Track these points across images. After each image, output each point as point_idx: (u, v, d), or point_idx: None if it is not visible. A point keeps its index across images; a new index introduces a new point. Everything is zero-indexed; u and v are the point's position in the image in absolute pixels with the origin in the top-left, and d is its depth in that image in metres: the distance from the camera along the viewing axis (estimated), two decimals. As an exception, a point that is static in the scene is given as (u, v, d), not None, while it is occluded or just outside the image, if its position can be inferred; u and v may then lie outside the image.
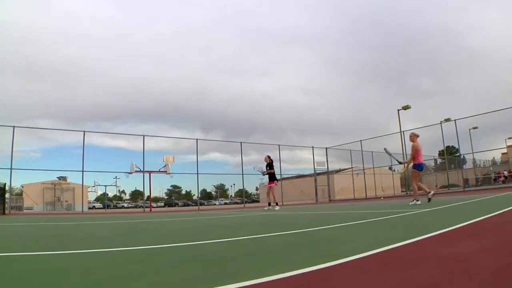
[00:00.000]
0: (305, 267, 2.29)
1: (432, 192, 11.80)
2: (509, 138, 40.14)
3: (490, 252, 2.65)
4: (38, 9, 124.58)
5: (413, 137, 12.17)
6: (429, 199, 11.50)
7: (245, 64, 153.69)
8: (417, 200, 11.31)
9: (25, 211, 36.11)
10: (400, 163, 13.25)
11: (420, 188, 11.89)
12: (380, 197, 30.13)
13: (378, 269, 2.24)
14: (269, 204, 16.32)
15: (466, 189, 29.33)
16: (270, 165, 16.66)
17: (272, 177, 16.51)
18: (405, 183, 34.86)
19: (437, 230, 3.90)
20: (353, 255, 2.63)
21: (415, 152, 11.92)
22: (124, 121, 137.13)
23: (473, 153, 29.98)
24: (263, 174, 16.85)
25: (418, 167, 12.04)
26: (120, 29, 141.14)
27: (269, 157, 17.02)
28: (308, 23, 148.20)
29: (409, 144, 12.52)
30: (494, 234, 3.66)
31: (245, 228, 6.39)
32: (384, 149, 14.36)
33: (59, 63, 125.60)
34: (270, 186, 16.44)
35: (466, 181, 33.10)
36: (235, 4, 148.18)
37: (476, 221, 4.80)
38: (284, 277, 2.08)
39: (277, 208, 15.79)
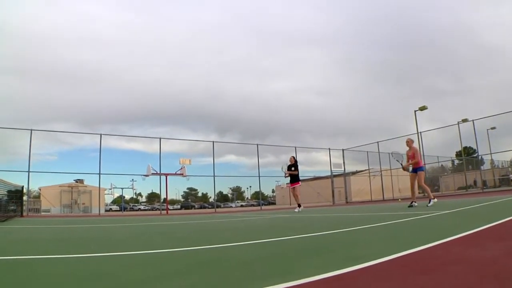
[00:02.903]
0: (328, 272, 2.22)
1: (416, 204, 11.80)
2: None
3: (520, 255, 2.57)
4: (54, 13, 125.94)
5: (411, 142, 12.70)
6: (411, 206, 11.60)
7: (259, 65, 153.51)
8: (434, 198, 11.65)
9: (42, 213, 36.44)
10: (403, 168, 13.21)
11: (413, 192, 12.22)
12: (398, 199, 29.84)
13: (404, 273, 2.17)
14: (298, 206, 16.21)
15: (484, 190, 28.96)
16: (295, 166, 16.53)
17: (296, 178, 16.44)
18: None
19: (461, 232, 3.80)
20: (376, 259, 2.56)
21: (419, 154, 12.43)
22: (139, 124, 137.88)
23: (491, 153, 29.62)
24: (285, 176, 16.78)
25: (423, 169, 12.59)
26: (135, 32, 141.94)
27: (294, 157, 16.95)
28: (321, 23, 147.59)
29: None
30: (521, 236, 3.56)
31: (263, 230, 6.34)
32: (392, 153, 14.33)
33: (75, 66, 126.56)
34: (294, 187, 16.38)
35: (484, 182, 32.70)
36: (248, 5, 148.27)
37: (500, 223, 4.68)
38: (307, 282, 2.02)
39: (297, 210, 15.65)
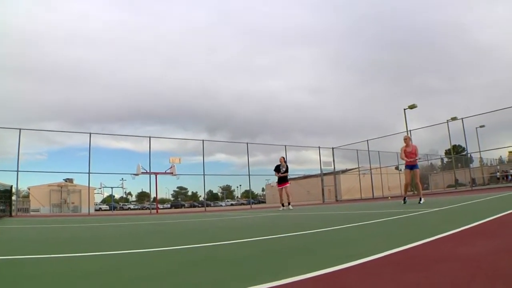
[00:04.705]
0: (319, 270, 2.22)
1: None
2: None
3: (508, 252, 2.58)
4: (43, 11, 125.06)
5: (409, 140, 12.97)
6: (405, 202, 12.06)
7: (251, 64, 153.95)
8: (423, 198, 11.97)
9: (31, 213, 36.23)
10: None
11: (407, 189, 12.85)
12: (387, 197, 29.97)
13: (394, 271, 2.17)
14: (289, 204, 16.49)
15: (473, 188, 29.17)
16: (285, 167, 16.72)
17: (286, 179, 16.63)
18: (412, 182, 34.60)
19: (451, 230, 3.82)
20: (367, 257, 2.56)
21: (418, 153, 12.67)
22: (129, 123, 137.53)
23: (480, 151, 29.81)
24: (279, 175, 16.78)
25: (418, 167, 12.80)
26: (126, 30, 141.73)
27: (283, 158, 17.19)
28: (313, 21, 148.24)
29: (416, 143, 12.65)
30: (510, 233, 3.58)
31: (254, 229, 6.33)
32: None
33: (64, 65, 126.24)
34: (287, 187, 16.55)
35: (473, 180, 32.91)
36: (240, 4, 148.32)
37: (489, 220, 4.72)
38: (297, 280, 2.01)
39: (291, 207, 16.05)
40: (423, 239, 3.29)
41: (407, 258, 2.57)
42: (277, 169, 16.68)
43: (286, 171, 16.70)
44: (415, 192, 14.17)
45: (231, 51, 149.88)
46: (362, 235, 4.27)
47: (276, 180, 17.04)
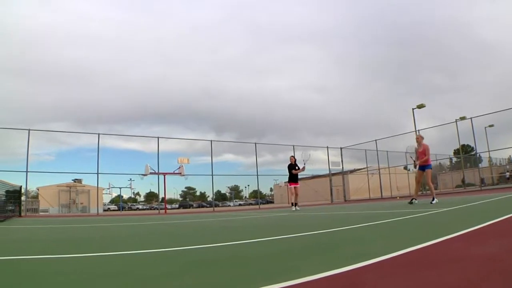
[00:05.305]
0: (332, 269, 2.22)
1: (417, 201, 12.18)
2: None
3: (523, 252, 2.57)
4: (48, 12, 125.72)
5: (421, 139, 12.45)
6: (411, 202, 11.85)
7: (256, 63, 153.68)
8: (436, 198, 11.59)
9: (40, 213, 36.42)
10: (415, 166, 13.24)
11: (417, 189, 12.93)
12: (396, 197, 29.85)
13: (408, 270, 2.16)
14: (296, 204, 16.29)
15: (482, 188, 29.00)
16: (297, 165, 16.61)
17: (297, 178, 16.44)
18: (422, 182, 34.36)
19: (462, 230, 3.80)
20: (380, 256, 2.55)
21: (429, 152, 12.14)
22: (136, 124, 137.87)
23: (489, 151, 29.64)
24: (299, 171, 16.62)
25: (431, 167, 12.46)
26: (130, 30, 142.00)
27: (294, 157, 16.98)
28: (318, 20, 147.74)
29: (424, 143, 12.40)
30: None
31: (264, 229, 6.33)
32: (407, 149, 14.28)
33: (69, 65, 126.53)
34: (298, 187, 16.36)
35: (482, 180, 32.76)
36: (244, 3, 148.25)
37: (500, 220, 4.69)
38: (311, 280, 2.01)
39: (299, 208, 15.86)
40: (435, 238, 3.27)
41: (420, 257, 2.56)
42: (292, 168, 16.54)
43: (299, 168, 16.58)
44: (424, 192, 14.06)
45: (235, 50, 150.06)
46: (373, 235, 4.25)
47: (288, 180, 16.90)
